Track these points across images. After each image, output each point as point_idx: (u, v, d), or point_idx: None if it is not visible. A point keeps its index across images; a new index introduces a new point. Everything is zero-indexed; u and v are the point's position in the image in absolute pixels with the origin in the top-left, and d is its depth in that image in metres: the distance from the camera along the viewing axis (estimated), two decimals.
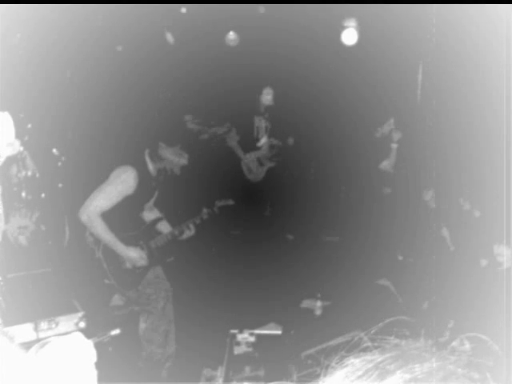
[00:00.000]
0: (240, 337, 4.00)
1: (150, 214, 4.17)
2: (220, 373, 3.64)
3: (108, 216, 3.64)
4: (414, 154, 5.45)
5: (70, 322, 3.60)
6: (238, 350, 3.91)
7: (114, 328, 1.97)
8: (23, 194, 4.17)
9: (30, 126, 4.10)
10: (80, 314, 3.63)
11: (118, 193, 3.67)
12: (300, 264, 5.95)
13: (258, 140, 6.42)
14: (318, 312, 4.67)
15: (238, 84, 5.95)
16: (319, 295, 4.70)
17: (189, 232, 4.16)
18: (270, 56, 5.77)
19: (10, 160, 3.87)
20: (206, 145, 6.09)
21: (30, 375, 1.19)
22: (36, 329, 3.42)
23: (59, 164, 4.60)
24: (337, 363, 0.69)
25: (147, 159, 3.88)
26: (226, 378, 3.53)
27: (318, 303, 4.67)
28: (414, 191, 5.29)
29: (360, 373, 0.65)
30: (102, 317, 3.89)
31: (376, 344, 0.72)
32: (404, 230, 5.35)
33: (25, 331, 3.37)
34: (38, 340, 1.25)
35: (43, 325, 3.47)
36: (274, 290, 5.33)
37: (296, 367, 3.60)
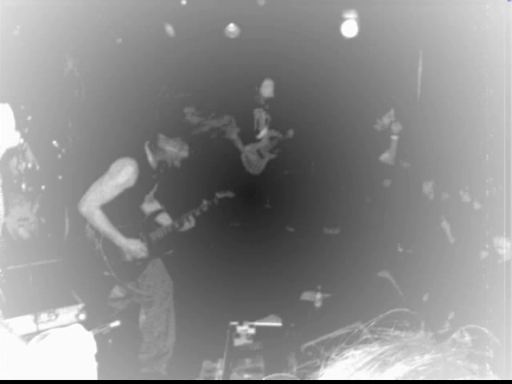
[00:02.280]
0: (240, 329, 4.01)
1: (150, 206, 4.17)
2: (220, 365, 3.66)
3: (108, 208, 3.63)
4: (413, 146, 5.45)
5: (69, 314, 3.62)
6: (238, 342, 3.92)
7: (113, 320, 1.97)
8: (23, 186, 4.16)
9: (30, 117, 4.09)
10: (80, 306, 3.64)
11: (118, 185, 3.66)
12: (300, 256, 5.95)
13: (258, 132, 6.40)
14: (318, 304, 4.68)
15: (237, 76, 5.94)
16: (319, 287, 4.71)
17: (189, 224, 4.15)
18: (270, 48, 5.76)
19: (10, 152, 3.86)
20: (206, 137, 6.08)
21: (30, 367, 1.19)
22: (36, 321, 3.43)
23: (59, 156, 4.59)
24: (337, 355, 0.69)
25: (147, 151, 3.87)
26: (226, 370, 3.55)
27: (318, 295, 4.69)
28: (414, 183, 5.29)
29: (360, 364, 0.65)
30: (101, 309, 3.89)
31: (376, 336, 0.72)
32: (404, 222, 5.36)
33: (25, 323, 3.38)
34: (38, 332, 1.25)
35: (43, 317, 3.48)
36: (274, 283, 5.34)
37: (296, 359, 3.61)
